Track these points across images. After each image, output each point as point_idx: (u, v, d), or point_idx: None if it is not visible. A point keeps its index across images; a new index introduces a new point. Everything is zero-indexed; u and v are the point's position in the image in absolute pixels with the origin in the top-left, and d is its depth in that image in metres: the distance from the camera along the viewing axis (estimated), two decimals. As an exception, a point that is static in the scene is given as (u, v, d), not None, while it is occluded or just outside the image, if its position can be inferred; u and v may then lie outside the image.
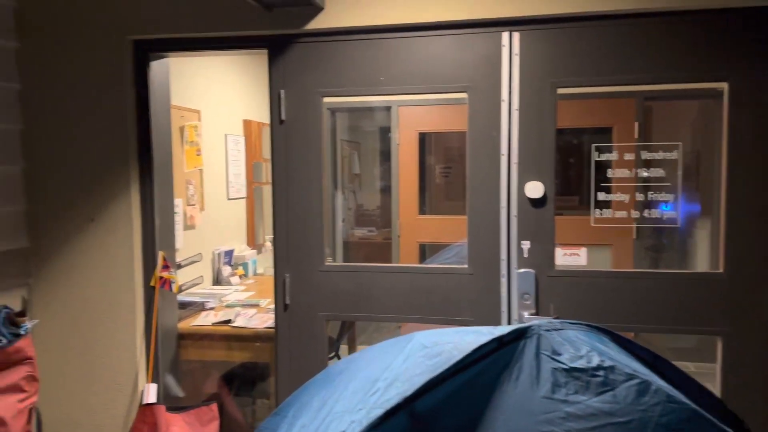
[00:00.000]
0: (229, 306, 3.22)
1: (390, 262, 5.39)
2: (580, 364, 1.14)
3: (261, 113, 4.78)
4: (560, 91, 2.20)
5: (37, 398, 2.05)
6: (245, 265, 4.12)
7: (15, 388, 1.92)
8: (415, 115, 5.17)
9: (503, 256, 2.29)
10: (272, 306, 3.23)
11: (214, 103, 4.01)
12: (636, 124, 2.97)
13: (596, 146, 2.25)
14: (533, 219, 2.25)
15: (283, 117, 2.42)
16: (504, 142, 2.26)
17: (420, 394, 1.14)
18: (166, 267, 2.54)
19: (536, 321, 1.26)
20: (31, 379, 2.00)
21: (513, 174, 2.26)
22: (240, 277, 4.01)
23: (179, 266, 2.99)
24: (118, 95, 2.46)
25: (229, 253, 3.96)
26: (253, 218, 4.49)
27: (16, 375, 1.93)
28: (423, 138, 5.17)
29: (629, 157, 2.24)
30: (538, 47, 2.20)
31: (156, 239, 2.53)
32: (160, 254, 2.53)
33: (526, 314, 2.25)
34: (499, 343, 1.19)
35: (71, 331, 2.53)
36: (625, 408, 1.08)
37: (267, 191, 4.83)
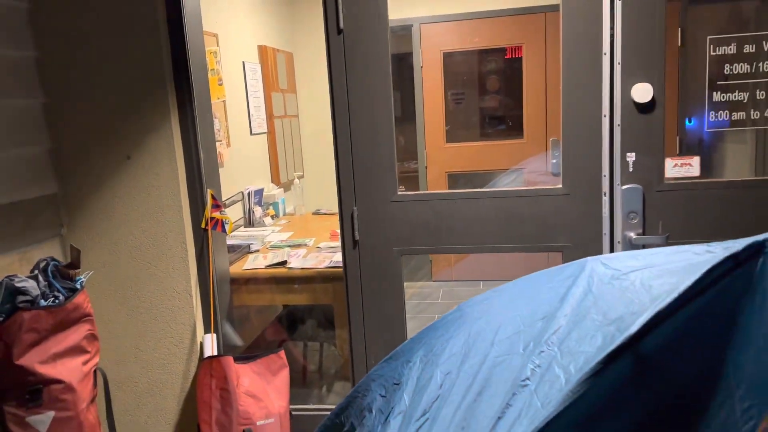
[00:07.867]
0: (274, 247, 2.96)
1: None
2: None
3: (275, 38, 4.37)
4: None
5: (99, 358, 1.81)
6: (275, 205, 3.85)
7: (77, 350, 1.68)
8: (438, 34, 4.77)
9: (605, 171, 2.03)
10: (322, 244, 2.99)
11: (231, 26, 3.60)
12: None
13: (711, 38, 1.95)
14: (640, 127, 1.98)
15: (341, 25, 2.08)
16: (605, 39, 1.96)
17: (643, 333, 0.91)
18: (216, 206, 2.26)
19: None
20: (92, 338, 1.75)
21: (617, 76, 1.97)
22: (272, 217, 3.73)
23: (225, 206, 2.71)
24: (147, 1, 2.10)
25: (258, 193, 3.68)
26: (276, 154, 4.17)
27: (77, 335, 1.68)
28: (447, 58, 4.81)
29: (749, 49, 1.95)
30: None
31: (203, 176, 2.24)
32: (209, 192, 2.25)
33: (632, 235, 2.02)
34: (734, 262, 0.95)
35: (117, 284, 2.27)
36: None
37: (287, 125, 4.48)
